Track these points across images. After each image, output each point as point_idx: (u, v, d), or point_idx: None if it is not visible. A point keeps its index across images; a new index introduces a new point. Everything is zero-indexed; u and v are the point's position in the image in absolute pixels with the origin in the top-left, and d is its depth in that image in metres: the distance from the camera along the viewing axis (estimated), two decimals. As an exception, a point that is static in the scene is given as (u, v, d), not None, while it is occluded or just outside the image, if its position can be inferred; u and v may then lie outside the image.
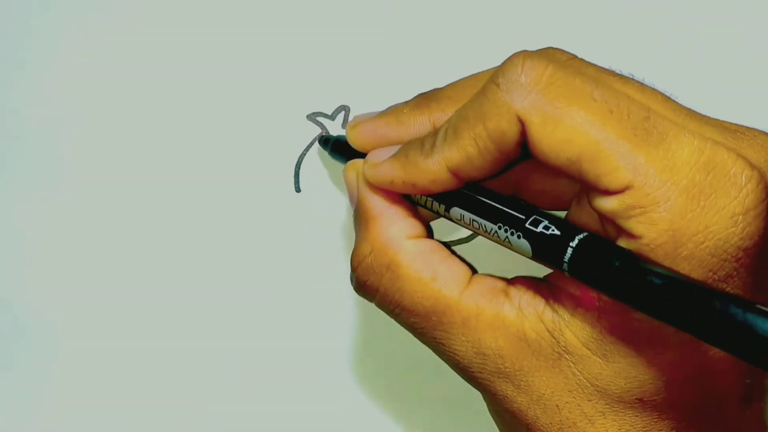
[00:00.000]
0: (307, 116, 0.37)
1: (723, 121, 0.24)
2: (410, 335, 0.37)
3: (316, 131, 0.37)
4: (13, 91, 0.37)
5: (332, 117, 0.37)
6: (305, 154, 0.37)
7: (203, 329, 0.37)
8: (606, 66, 0.26)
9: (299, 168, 0.37)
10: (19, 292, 0.38)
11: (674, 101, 0.24)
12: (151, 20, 0.37)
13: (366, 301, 0.37)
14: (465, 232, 0.36)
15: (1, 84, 0.37)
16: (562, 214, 0.27)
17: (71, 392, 0.38)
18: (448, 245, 0.28)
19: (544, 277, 0.26)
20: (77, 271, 0.37)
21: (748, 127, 0.24)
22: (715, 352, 0.23)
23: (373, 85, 0.37)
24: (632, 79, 0.25)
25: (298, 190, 0.37)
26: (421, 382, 0.38)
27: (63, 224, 0.37)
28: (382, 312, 0.37)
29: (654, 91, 0.24)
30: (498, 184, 0.27)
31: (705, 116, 0.24)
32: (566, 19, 0.37)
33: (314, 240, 0.37)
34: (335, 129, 0.37)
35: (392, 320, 0.37)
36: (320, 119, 0.37)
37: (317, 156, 0.37)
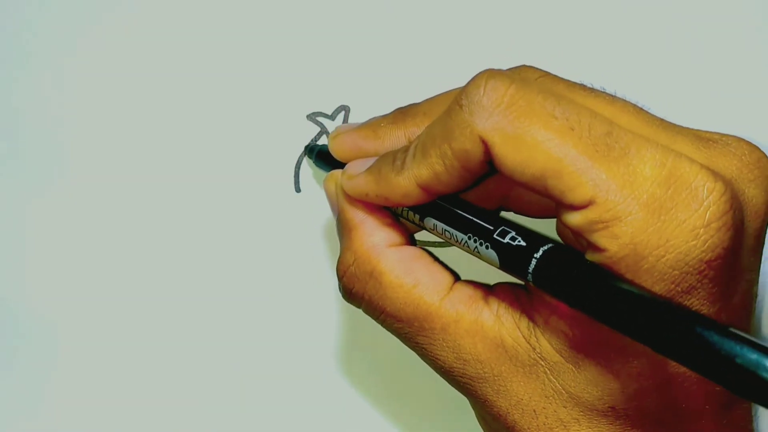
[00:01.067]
0: (307, 116, 0.37)
1: (697, 130, 0.24)
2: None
3: (316, 131, 0.37)
4: (14, 91, 0.38)
5: (332, 117, 0.37)
6: (305, 154, 0.37)
7: (203, 329, 0.37)
8: (579, 80, 0.26)
9: (299, 168, 0.37)
10: (19, 292, 0.38)
11: (646, 113, 0.24)
12: (151, 20, 0.37)
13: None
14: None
15: (1, 84, 0.38)
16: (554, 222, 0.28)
17: (71, 392, 0.38)
18: (426, 247, 0.29)
19: (525, 284, 0.26)
20: (77, 271, 0.38)
21: (722, 134, 0.24)
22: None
23: (373, 85, 0.37)
24: (603, 92, 0.25)
25: (298, 190, 0.37)
26: (420, 382, 0.37)
27: (63, 224, 0.37)
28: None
29: (625, 103, 0.25)
30: (487, 195, 0.28)
31: (678, 126, 0.24)
32: (562, 26, 0.37)
33: (314, 240, 0.37)
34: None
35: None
36: (320, 119, 0.37)
37: (317, 156, 0.37)
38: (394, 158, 0.27)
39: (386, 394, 0.38)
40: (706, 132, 0.24)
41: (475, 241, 0.25)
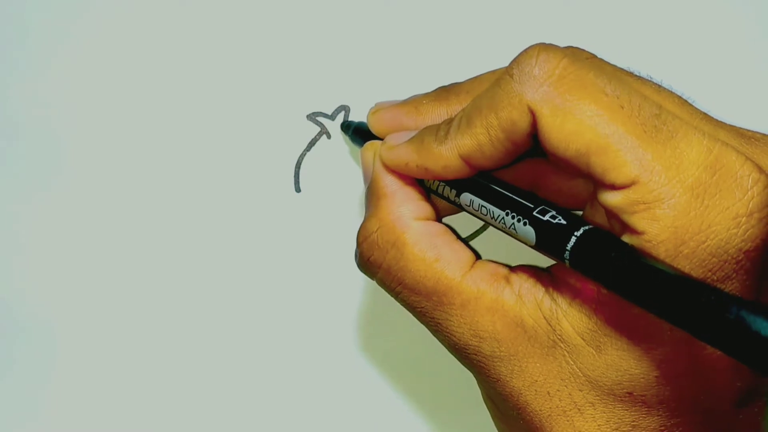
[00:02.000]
0: (307, 116, 0.37)
1: (738, 127, 0.24)
2: (409, 335, 0.37)
3: (316, 131, 0.37)
4: (12, 91, 0.38)
5: (332, 117, 0.37)
6: (305, 154, 0.37)
7: (203, 329, 0.37)
8: (625, 67, 0.26)
9: (299, 168, 0.37)
10: (18, 294, 0.38)
11: (690, 104, 0.25)
12: (151, 20, 0.37)
13: (366, 301, 0.37)
14: (472, 229, 0.36)
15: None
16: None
17: (71, 393, 0.38)
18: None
19: (547, 267, 0.26)
20: (76, 272, 0.37)
21: (763, 134, 0.24)
22: (709, 351, 0.23)
23: (373, 85, 0.37)
24: (649, 80, 0.25)
25: (298, 190, 0.37)
26: (421, 382, 0.37)
27: (62, 225, 0.37)
28: (381, 312, 0.37)
29: (671, 93, 0.25)
30: (518, 180, 0.28)
31: (720, 121, 0.24)
32: (561, 25, 0.37)
33: (314, 240, 0.37)
34: (335, 129, 0.37)
35: (392, 321, 0.37)
36: (320, 119, 0.37)
37: (317, 156, 0.37)
38: (437, 129, 0.27)
39: (385, 394, 0.38)
40: (748, 130, 0.24)
41: (513, 217, 0.25)
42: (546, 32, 0.37)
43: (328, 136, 0.37)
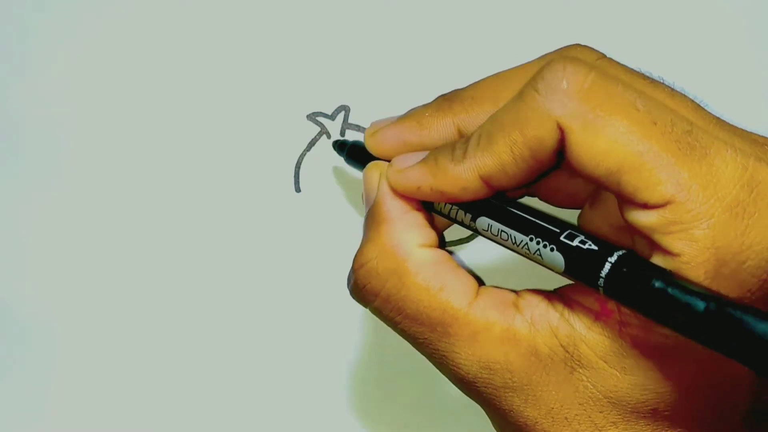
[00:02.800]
0: (307, 116, 0.37)
1: (751, 133, 0.23)
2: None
3: (316, 131, 0.37)
4: (12, 91, 0.38)
5: (332, 117, 0.37)
6: (305, 154, 0.37)
7: (202, 330, 0.37)
8: (634, 67, 0.25)
9: (299, 168, 0.37)
10: (18, 294, 0.38)
11: (704, 109, 0.24)
12: (150, 20, 0.37)
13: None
14: (460, 234, 0.36)
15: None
16: (572, 213, 0.27)
17: (71, 393, 0.38)
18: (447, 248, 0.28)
19: (555, 290, 0.25)
20: (76, 272, 0.37)
21: None
22: (733, 367, 0.23)
23: (373, 85, 0.37)
24: (662, 83, 0.24)
25: (298, 190, 0.37)
26: (419, 385, 0.37)
27: (62, 225, 0.37)
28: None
29: (684, 97, 0.24)
30: None
31: (733, 126, 0.23)
32: (559, 25, 0.37)
33: (314, 240, 0.37)
34: (335, 129, 0.37)
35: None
36: (320, 119, 0.37)
37: (317, 156, 0.37)
38: (452, 148, 0.25)
39: (384, 395, 0.38)
40: (761, 136, 0.23)
41: (537, 243, 0.24)
42: (546, 32, 0.37)
43: (328, 136, 0.37)
